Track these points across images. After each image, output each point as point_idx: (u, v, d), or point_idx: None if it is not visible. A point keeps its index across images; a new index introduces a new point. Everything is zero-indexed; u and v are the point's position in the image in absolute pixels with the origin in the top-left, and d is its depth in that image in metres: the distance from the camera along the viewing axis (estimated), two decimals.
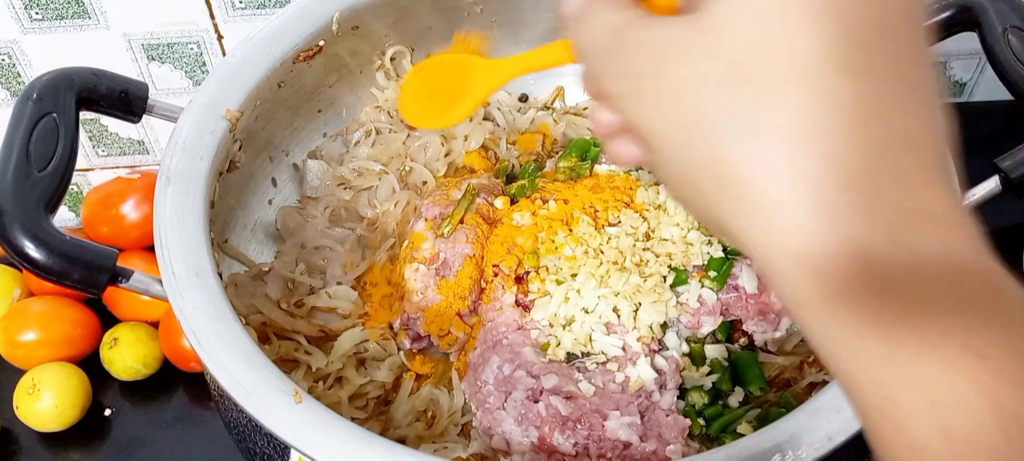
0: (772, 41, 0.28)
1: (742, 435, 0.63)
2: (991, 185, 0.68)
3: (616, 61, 0.33)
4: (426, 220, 0.77)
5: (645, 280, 0.71)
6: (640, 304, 0.70)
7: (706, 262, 0.72)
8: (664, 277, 0.71)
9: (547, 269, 0.73)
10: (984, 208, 0.67)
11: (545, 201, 0.77)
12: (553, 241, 0.74)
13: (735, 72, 0.29)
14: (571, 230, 0.74)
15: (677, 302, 0.71)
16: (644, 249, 0.72)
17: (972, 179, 0.68)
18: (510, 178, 0.85)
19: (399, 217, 0.82)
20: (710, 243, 0.72)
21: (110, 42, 0.93)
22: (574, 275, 0.71)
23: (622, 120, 0.35)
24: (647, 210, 0.75)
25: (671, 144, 0.31)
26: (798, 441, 0.54)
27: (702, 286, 0.71)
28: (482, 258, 0.75)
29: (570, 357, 0.69)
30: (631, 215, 0.74)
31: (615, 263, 0.71)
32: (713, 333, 0.72)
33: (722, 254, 0.72)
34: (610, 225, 0.74)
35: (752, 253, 0.30)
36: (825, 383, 0.64)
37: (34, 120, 0.63)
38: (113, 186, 0.96)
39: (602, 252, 0.72)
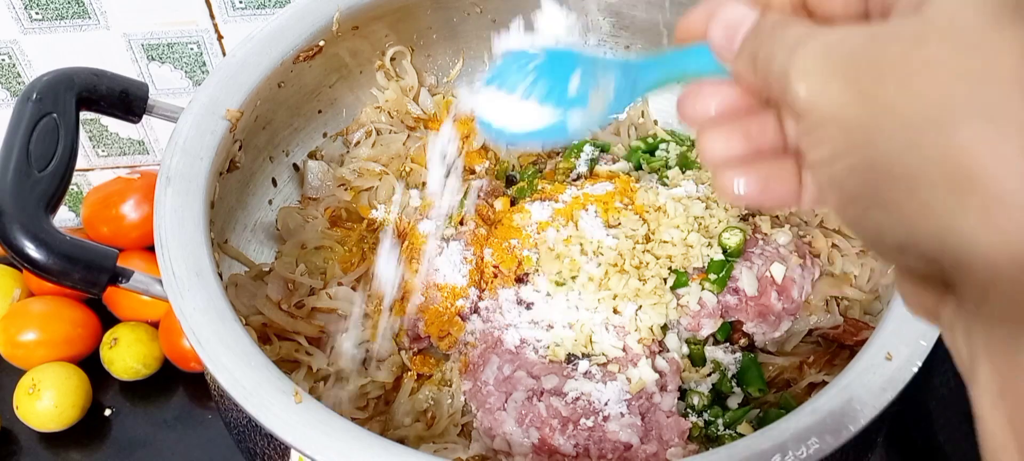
0: (1002, 29, 0.26)
1: (742, 436, 0.63)
2: None
3: (819, 56, 0.30)
4: (426, 221, 0.77)
5: (645, 283, 0.71)
6: (641, 306, 0.70)
7: (706, 265, 0.72)
8: (664, 279, 0.71)
9: (547, 270, 0.73)
10: None
11: (545, 202, 0.77)
12: (553, 242, 0.74)
13: (968, 57, 0.27)
14: (570, 231, 0.74)
15: (677, 304, 0.71)
16: (644, 252, 0.72)
17: None
18: (510, 180, 0.85)
19: (399, 218, 0.82)
20: (710, 245, 0.72)
21: (110, 42, 0.93)
22: (574, 277, 0.71)
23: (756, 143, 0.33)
24: (647, 212, 0.75)
25: (889, 138, 0.28)
26: (798, 441, 0.54)
27: (702, 289, 0.71)
28: (482, 259, 0.75)
29: (570, 358, 0.69)
30: (631, 217, 0.74)
31: (615, 265, 0.71)
32: (713, 335, 0.72)
33: (722, 257, 0.72)
34: (610, 227, 0.74)
35: (973, 255, 0.27)
36: (825, 383, 0.64)
37: (34, 120, 0.63)
38: (113, 186, 0.96)
39: (602, 254, 0.72)
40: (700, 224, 0.74)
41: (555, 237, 0.74)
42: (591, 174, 0.82)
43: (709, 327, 0.71)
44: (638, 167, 0.84)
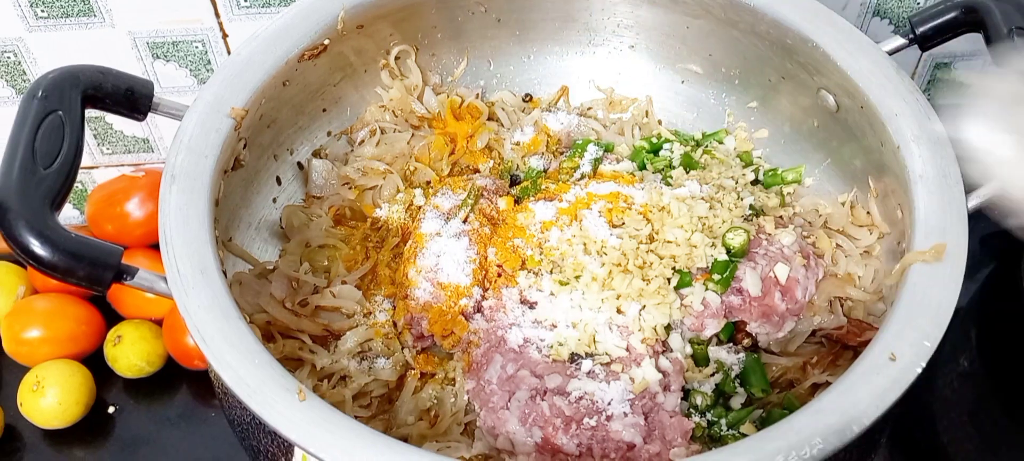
0: None
1: (745, 436, 0.63)
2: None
3: None
4: (430, 220, 0.77)
5: (649, 283, 0.70)
6: (644, 306, 0.70)
7: (710, 265, 0.72)
8: (668, 279, 0.71)
9: (551, 269, 0.73)
10: (987, 211, 0.67)
11: (549, 201, 0.77)
12: (556, 241, 0.74)
13: None
14: (574, 231, 0.74)
15: (681, 304, 0.71)
16: (648, 251, 0.72)
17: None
18: (514, 179, 0.85)
19: (403, 216, 0.82)
20: (714, 246, 0.72)
21: (115, 40, 0.93)
22: (578, 276, 0.71)
23: None
24: (651, 212, 0.75)
25: None
26: (802, 442, 0.54)
27: (706, 289, 0.71)
28: (485, 258, 0.75)
29: (574, 357, 0.69)
30: (635, 217, 0.74)
31: (618, 265, 0.71)
32: (717, 335, 0.72)
33: (726, 257, 0.72)
34: (614, 226, 0.74)
35: None
36: (828, 384, 0.64)
37: (40, 118, 0.63)
38: (118, 184, 0.96)
39: (605, 253, 0.72)
40: (704, 224, 0.74)
41: (559, 236, 0.74)
42: (595, 173, 0.82)
43: (712, 327, 0.71)
44: (642, 167, 0.83)
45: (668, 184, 0.80)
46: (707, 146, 0.86)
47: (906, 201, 0.68)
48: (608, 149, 0.86)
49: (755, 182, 0.83)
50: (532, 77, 0.93)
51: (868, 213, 0.77)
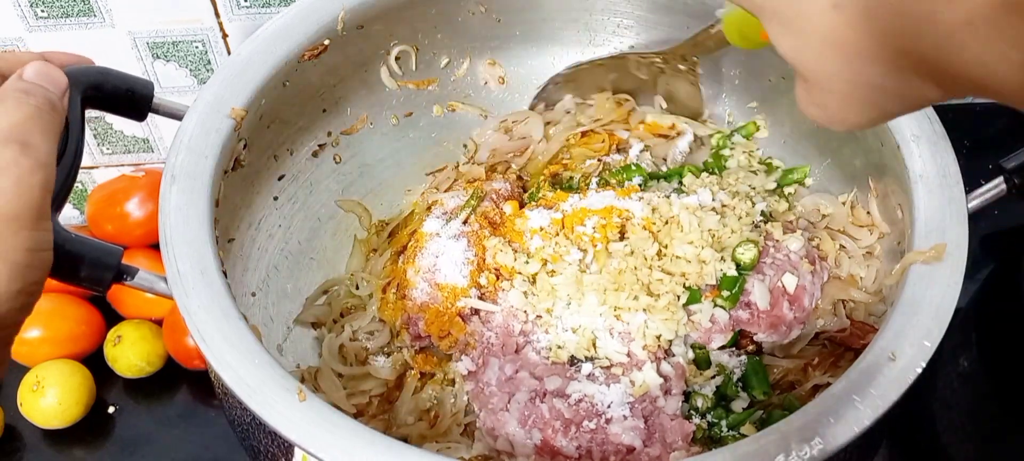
0: None
1: (746, 436, 0.63)
2: (997, 186, 0.68)
3: None
4: (433, 218, 0.77)
5: (658, 298, 0.70)
6: (649, 318, 0.69)
7: (719, 281, 0.71)
8: (677, 296, 0.70)
9: (550, 274, 0.73)
10: (990, 209, 0.67)
11: (547, 209, 0.77)
12: (557, 246, 0.73)
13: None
14: (575, 236, 0.74)
15: (688, 319, 0.70)
16: (656, 267, 0.71)
17: (978, 180, 0.68)
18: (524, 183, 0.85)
19: (415, 202, 0.82)
20: (723, 260, 0.71)
21: (115, 40, 0.93)
22: (578, 281, 0.71)
23: None
24: (654, 225, 0.74)
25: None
26: (802, 442, 0.54)
27: (714, 306, 0.70)
28: (483, 260, 0.75)
29: (573, 360, 0.69)
30: (639, 232, 0.73)
31: (620, 274, 0.71)
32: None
33: (735, 272, 0.71)
34: (618, 238, 0.73)
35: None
36: (829, 385, 0.63)
37: None
38: (118, 184, 0.96)
39: (608, 258, 0.72)
40: (714, 237, 0.73)
41: (555, 246, 0.73)
42: (602, 184, 0.81)
43: (719, 341, 0.71)
44: (654, 177, 0.82)
45: (680, 191, 0.79)
46: (730, 142, 0.86)
47: (906, 201, 0.68)
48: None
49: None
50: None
51: (868, 213, 0.77)
